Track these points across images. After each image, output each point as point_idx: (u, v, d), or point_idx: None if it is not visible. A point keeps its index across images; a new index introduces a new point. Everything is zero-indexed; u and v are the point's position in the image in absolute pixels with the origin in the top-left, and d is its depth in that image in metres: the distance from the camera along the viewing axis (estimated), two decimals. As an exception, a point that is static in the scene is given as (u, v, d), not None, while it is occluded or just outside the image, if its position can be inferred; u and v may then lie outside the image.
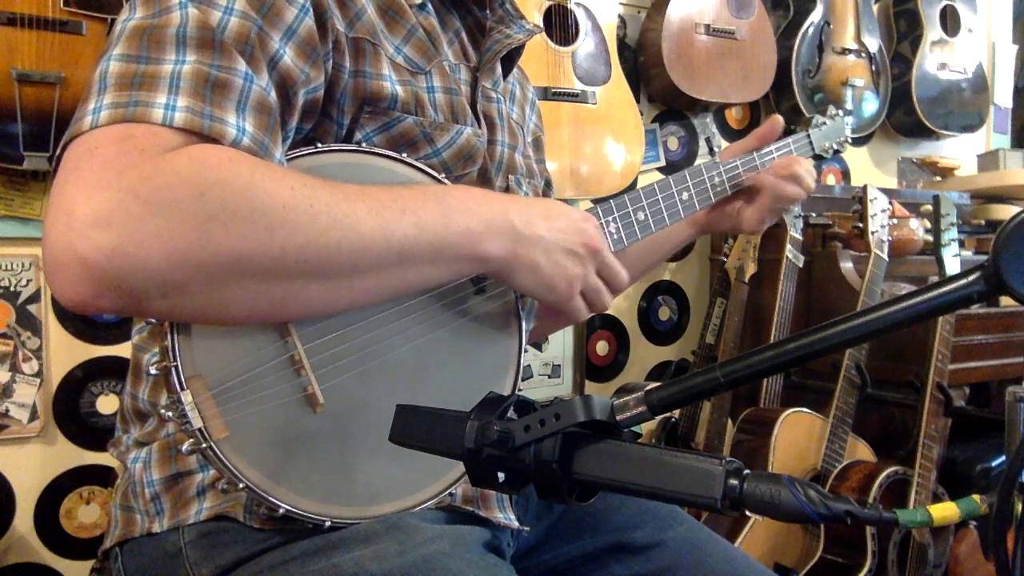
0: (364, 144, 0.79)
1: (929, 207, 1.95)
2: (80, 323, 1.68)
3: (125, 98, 0.60)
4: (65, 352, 1.67)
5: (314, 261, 0.62)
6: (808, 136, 1.17)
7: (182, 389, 0.64)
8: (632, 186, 2.17)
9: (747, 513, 0.45)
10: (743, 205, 1.11)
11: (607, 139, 2.09)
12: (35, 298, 1.62)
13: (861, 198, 1.94)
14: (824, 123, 1.21)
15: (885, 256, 1.91)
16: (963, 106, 2.91)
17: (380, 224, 0.65)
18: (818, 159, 1.21)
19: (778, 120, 1.12)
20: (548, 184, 1.16)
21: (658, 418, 1.77)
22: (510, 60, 1.00)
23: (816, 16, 2.55)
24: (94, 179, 0.56)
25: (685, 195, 1.01)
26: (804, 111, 2.50)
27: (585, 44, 2.08)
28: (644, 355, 2.47)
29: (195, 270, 0.57)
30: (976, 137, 3.13)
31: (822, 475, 1.80)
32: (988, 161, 2.88)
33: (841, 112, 1.25)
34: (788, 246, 2.04)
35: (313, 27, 0.72)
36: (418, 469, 0.77)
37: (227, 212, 0.58)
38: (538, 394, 2.24)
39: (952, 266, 1.89)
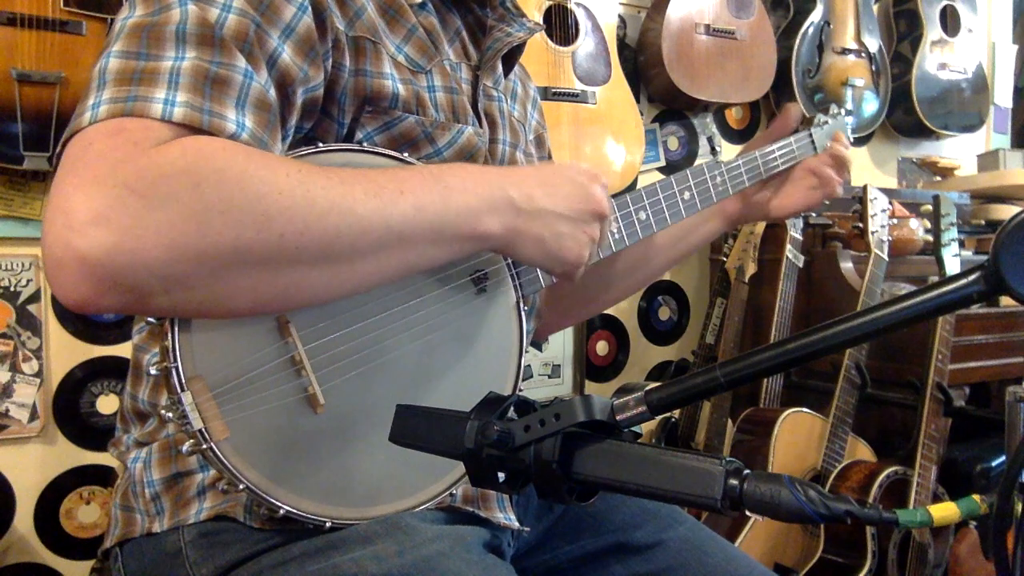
0: (365, 143, 0.79)
1: (929, 207, 1.95)
2: (80, 323, 1.68)
3: (124, 93, 0.60)
4: (65, 352, 1.67)
5: (314, 246, 0.62)
6: (810, 135, 1.17)
7: (182, 390, 0.64)
8: (632, 186, 2.17)
9: (747, 513, 0.45)
10: (773, 194, 1.14)
11: (607, 139, 2.09)
12: (35, 298, 1.62)
13: (861, 198, 1.94)
14: (826, 122, 1.21)
15: (885, 256, 1.91)
16: (963, 106, 2.91)
17: (378, 206, 0.65)
18: None
19: (791, 109, 1.15)
20: None
21: (658, 418, 1.77)
22: (511, 58, 1.00)
23: (816, 16, 2.55)
24: (90, 176, 0.56)
25: (687, 194, 1.01)
26: (804, 111, 2.51)
27: (585, 44, 2.08)
28: (644, 355, 2.47)
29: (196, 262, 0.57)
30: (976, 137, 3.13)
31: (822, 475, 1.80)
32: (988, 161, 2.88)
33: (843, 111, 1.25)
34: (788, 246, 2.04)
35: (312, 25, 0.72)
36: (418, 469, 0.77)
37: (224, 202, 0.57)
38: (538, 394, 2.24)
39: (952, 266, 1.89)
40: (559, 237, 0.77)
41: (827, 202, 1.16)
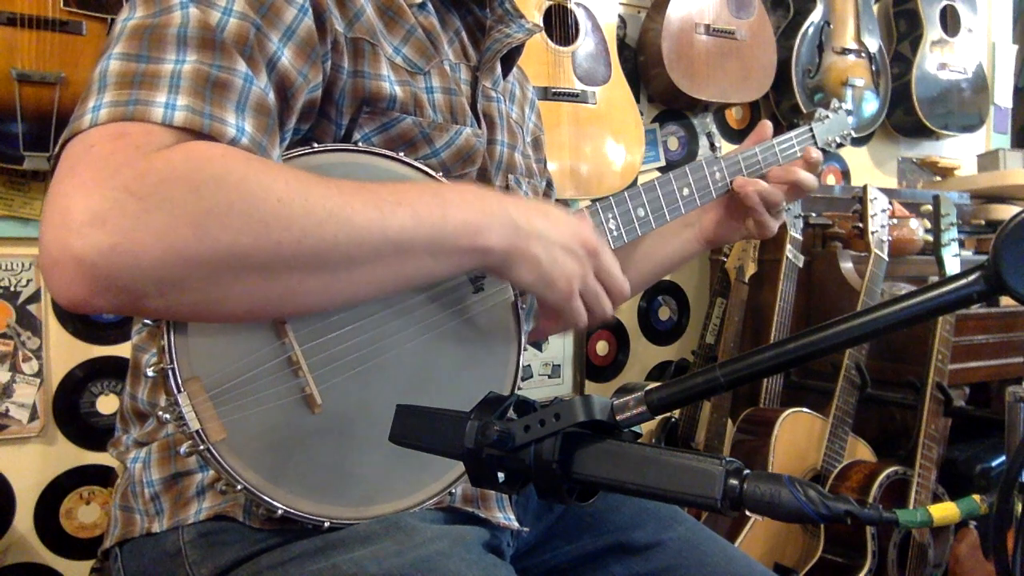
0: (362, 144, 0.78)
1: (929, 207, 1.95)
2: (80, 323, 1.68)
3: (125, 96, 0.60)
4: (65, 352, 1.67)
5: (310, 254, 0.62)
6: (811, 130, 1.16)
7: (179, 391, 0.64)
8: (632, 186, 2.17)
9: (747, 513, 0.45)
10: (748, 214, 1.11)
11: (607, 139, 2.09)
12: (35, 298, 1.62)
13: (861, 198, 1.94)
14: (827, 116, 1.20)
15: (885, 256, 1.91)
16: (963, 106, 2.91)
17: (376, 216, 0.65)
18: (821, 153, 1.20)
19: (767, 124, 1.13)
20: (549, 184, 1.15)
21: (658, 418, 1.77)
22: (510, 59, 1.00)
23: (816, 16, 2.55)
24: (89, 177, 0.56)
25: (686, 191, 1.00)
26: (804, 111, 2.50)
27: (585, 44, 2.08)
28: (644, 355, 2.47)
29: (192, 266, 0.57)
30: (976, 137, 3.13)
31: (822, 475, 1.80)
32: (988, 161, 2.88)
33: (844, 105, 1.23)
34: (788, 246, 2.04)
35: (312, 27, 0.72)
36: (417, 469, 0.77)
37: (222, 207, 0.58)
38: (538, 394, 2.23)
39: (952, 266, 1.89)
40: (554, 262, 0.77)
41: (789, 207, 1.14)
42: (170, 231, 0.56)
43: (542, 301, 0.81)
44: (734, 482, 0.45)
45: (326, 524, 0.71)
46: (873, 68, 2.68)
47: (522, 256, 0.75)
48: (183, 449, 0.66)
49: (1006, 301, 2.10)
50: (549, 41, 2.03)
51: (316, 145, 0.73)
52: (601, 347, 2.39)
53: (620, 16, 2.33)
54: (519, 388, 0.85)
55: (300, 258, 0.61)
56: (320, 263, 0.63)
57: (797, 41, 2.52)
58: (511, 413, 0.54)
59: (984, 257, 0.50)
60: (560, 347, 2.30)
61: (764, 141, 1.11)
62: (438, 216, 0.69)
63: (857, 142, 2.92)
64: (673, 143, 2.47)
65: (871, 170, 2.99)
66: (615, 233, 0.92)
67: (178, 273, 0.57)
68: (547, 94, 1.99)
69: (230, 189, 0.58)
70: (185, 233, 0.56)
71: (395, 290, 0.72)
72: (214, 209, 0.57)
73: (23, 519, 1.64)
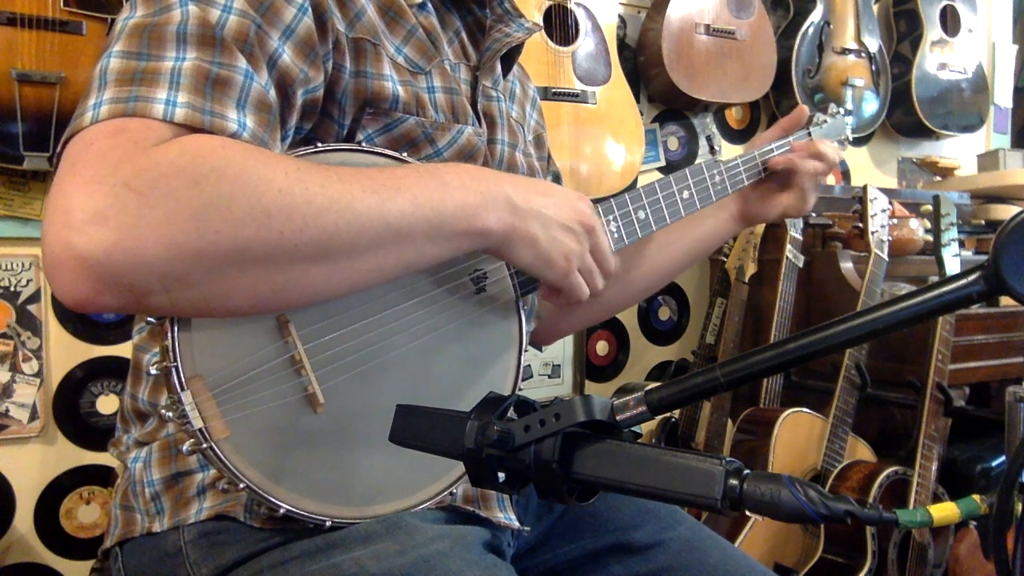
0: (364, 144, 0.79)
1: (929, 207, 1.94)
2: (80, 323, 1.68)
3: (125, 93, 0.60)
4: (65, 352, 1.67)
5: (312, 244, 0.62)
6: (809, 134, 1.18)
7: (182, 389, 0.64)
8: (632, 186, 2.17)
9: (747, 513, 0.45)
10: (782, 192, 1.14)
11: (607, 139, 2.09)
12: (35, 298, 1.62)
13: (861, 198, 1.94)
14: (825, 121, 1.22)
15: (885, 256, 1.91)
16: (963, 106, 2.91)
17: (376, 203, 0.65)
18: None
19: (803, 109, 1.16)
20: (557, 178, 1.16)
21: (658, 418, 1.77)
22: (509, 59, 1.00)
23: (816, 16, 2.55)
24: (89, 175, 0.56)
25: (686, 193, 1.01)
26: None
27: (585, 44, 2.08)
28: (644, 355, 2.47)
29: (195, 260, 0.57)
30: (976, 137, 3.13)
31: (822, 475, 1.80)
32: (988, 161, 2.88)
33: (842, 111, 1.26)
34: (788, 246, 2.04)
35: (312, 27, 0.72)
36: (418, 469, 0.77)
37: (223, 199, 0.57)
38: (538, 394, 2.24)
39: (952, 266, 1.89)
40: (551, 240, 0.77)
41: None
42: (171, 226, 0.56)
43: (541, 278, 0.81)
44: (734, 482, 0.45)
45: (328, 523, 0.72)
46: (873, 68, 2.68)
47: (520, 237, 0.75)
48: (185, 447, 0.66)
49: (1006, 301, 2.10)
50: (549, 41, 2.03)
51: (319, 145, 0.73)
52: (601, 347, 2.39)
53: (620, 16, 2.33)
54: (519, 388, 0.85)
55: (303, 248, 0.61)
56: (322, 252, 0.63)
57: (797, 41, 2.52)
58: (511, 413, 0.54)
59: (984, 257, 0.50)
60: (560, 347, 2.30)
61: (762, 146, 1.12)
62: (437, 200, 0.68)
63: (857, 142, 2.92)
64: (673, 143, 2.48)
65: (871, 170, 2.99)
66: (615, 235, 0.93)
67: (181, 268, 0.57)
68: (547, 94, 1.99)
69: (230, 181, 0.58)
70: (187, 227, 0.56)
71: (396, 275, 0.71)
72: (215, 201, 0.57)
73: (23, 519, 1.64)
